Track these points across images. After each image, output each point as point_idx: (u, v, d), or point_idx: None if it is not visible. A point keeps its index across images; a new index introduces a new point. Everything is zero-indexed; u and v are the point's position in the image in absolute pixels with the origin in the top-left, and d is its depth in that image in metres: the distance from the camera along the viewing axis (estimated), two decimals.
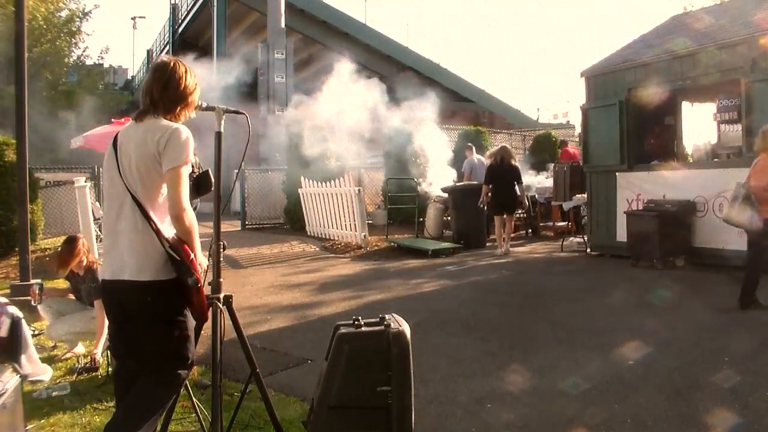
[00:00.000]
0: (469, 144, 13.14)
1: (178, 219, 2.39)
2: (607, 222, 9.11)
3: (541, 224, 12.76)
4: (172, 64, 2.56)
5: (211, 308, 2.57)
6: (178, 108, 2.55)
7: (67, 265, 4.56)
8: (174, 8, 30.79)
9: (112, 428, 2.39)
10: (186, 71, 2.56)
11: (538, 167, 13.63)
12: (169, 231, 2.46)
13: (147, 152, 2.41)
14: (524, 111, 30.79)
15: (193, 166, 2.54)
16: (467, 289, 7.06)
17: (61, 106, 19.09)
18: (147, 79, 2.58)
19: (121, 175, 2.46)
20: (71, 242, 4.58)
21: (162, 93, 2.51)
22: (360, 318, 2.75)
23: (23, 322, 4.17)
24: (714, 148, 9.23)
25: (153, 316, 2.44)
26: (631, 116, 8.82)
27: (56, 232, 11.67)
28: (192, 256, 2.42)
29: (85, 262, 4.57)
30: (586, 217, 9.93)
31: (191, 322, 2.54)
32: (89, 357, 4.50)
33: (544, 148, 15.61)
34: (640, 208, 8.45)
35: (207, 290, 2.60)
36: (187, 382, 2.69)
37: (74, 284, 4.74)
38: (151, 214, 2.43)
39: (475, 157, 12.46)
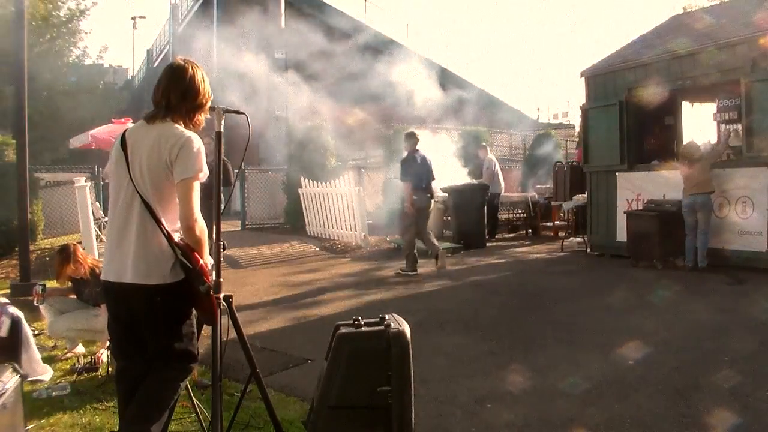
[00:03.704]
0: (484, 143, 13.19)
1: (189, 230, 2.40)
2: (607, 222, 9.11)
3: (541, 224, 12.76)
4: (190, 70, 2.52)
5: None
6: (194, 114, 2.55)
7: (62, 275, 4.60)
8: (174, 8, 30.76)
9: (125, 429, 2.41)
10: (202, 77, 2.54)
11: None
12: (176, 236, 2.48)
13: (159, 159, 2.40)
14: (524, 111, 30.75)
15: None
16: (467, 289, 7.06)
17: (61, 106, 19.08)
18: (164, 83, 2.51)
19: (131, 177, 2.44)
20: (62, 252, 4.59)
21: (181, 100, 2.49)
22: (360, 318, 2.74)
23: (24, 322, 4.18)
24: (714, 147, 9.22)
25: (161, 315, 2.45)
26: (631, 116, 8.82)
27: (56, 232, 11.69)
28: (202, 262, 2.43)
29: (83, 268, 4.56)
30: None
31: (195, 318, 2.57)
32: (89, 357, 4.50)
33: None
34: (640, 208, 8.45)
35: None
36: (187, 382, 2.69)
37: (77, 286, 4.74)
38: (162, 218, 2.43)
39: (490, 156, 12.49)
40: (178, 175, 2.39)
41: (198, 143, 2.44)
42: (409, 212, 7.82)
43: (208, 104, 2.59)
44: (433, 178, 8.12)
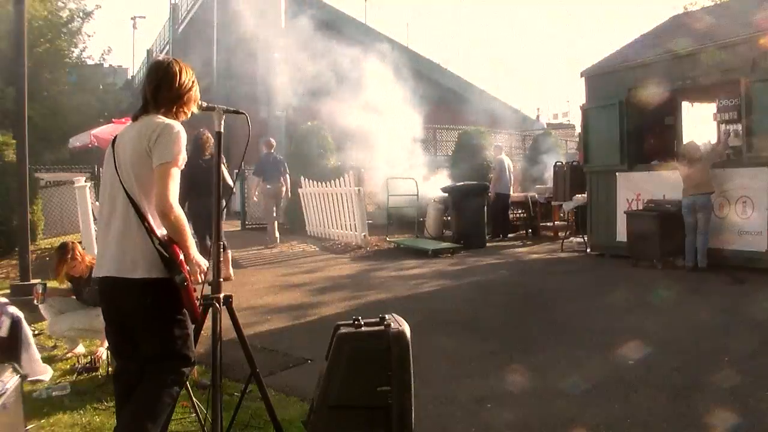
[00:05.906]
0: (498, 144, 13.23)
1: (164, 216, 2.38)
2: (607, 222, 9.10)
3: (541, 224, 12.75)
4: (165, 63, 2.57)
5: (210, 308, 2.57)
6: (174, 107, 2.55)
7: (59, 273, 4.60)
8: (174, 8, 30.77)
9: None
10: (180, 70, 2.55)
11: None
12: (162, 230, 2.46)
13: (140, 148, 2.42)
14: (524, 111, 30.75)
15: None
16: (467, 289, 7.06)
17: (61, 106, 19.08)
18: (143, 81, 2.61)
19: (117, 172, 2.46)
20: (60, 249, 4.60)
21: (155, 93, 2.52)
22: (360, 318, 2.74)
23: (24, 321, 4.18)
24: (714, 148, 9.23)
25: (152, 315, 2.43)
26: (631, 116, 8.81)
27: (56, 232, 11.70)
28: (181, 255, 2.41)
29: (81, 267, 4.56)
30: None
31: (190, 321, 2.54)
32: (89, 357, 4.50)
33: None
34: (640, 208, 8.45)
35: (206, 290, 2.60)
36: (187, 382, 2.69)
37: (76, 286, 4.74)
38: (146, 211, 2.42)
39: (500, 157, 12.48)
40: (156, 159, 2.39)
41: (178, 128, 2.44)
42: (259, 200, 11.11)
43: (190, 96, 2.58)
44: (285, 173, 10.76)
